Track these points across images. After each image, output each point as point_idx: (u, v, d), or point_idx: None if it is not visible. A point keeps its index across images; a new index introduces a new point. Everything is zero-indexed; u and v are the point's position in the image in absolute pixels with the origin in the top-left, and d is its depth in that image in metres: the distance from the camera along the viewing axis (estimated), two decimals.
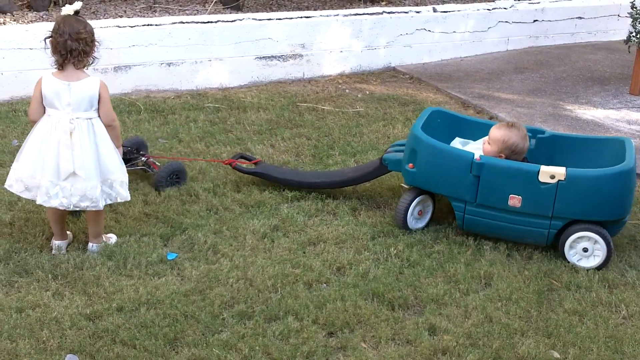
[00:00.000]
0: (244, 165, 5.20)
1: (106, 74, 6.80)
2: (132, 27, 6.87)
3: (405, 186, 4.67)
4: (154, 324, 3.64)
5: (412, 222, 4.63)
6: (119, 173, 4.15)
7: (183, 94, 7.00)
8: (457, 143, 4.84)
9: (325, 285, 4.07)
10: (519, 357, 3.55)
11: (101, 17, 7.39)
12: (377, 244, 4.47)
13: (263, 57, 7.52)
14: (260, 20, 7.44)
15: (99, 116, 4.05)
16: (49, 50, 3.99)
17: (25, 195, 4.09)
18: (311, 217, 4.79)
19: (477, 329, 3.73)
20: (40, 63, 6.48)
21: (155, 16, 7.53)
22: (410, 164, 4.56)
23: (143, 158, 5.11)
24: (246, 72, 7.45)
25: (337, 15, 7.88)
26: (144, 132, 5.99)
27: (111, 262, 4.13)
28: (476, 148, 4.70)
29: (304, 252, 4.39)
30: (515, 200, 4.32)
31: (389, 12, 8.18)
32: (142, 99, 6.76)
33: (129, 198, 4.22)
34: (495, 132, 4.57)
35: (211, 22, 7.23)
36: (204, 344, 3.52)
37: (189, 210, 4.77)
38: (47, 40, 3.99)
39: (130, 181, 4.31)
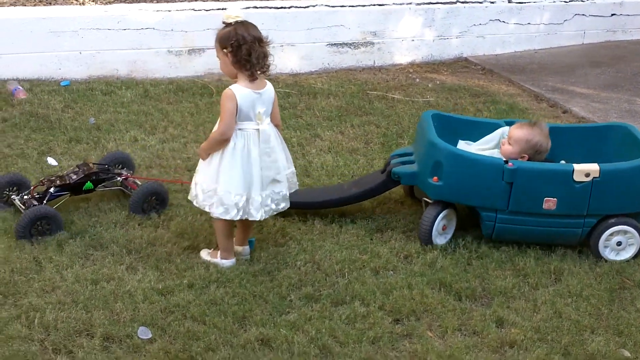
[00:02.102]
0: None
1: (180, 57, 6.91)
2: (207, 10, 6.95)
3: (428, 200, 4.39)
4: (223, 302, 3.70)
5: (436, 238, 4.33)
6: (290, 165, 4.09)
7: None
8: (463, 146, 4.60)
9: (392, 272, 4.08)
10: (588, 354, 3.51)
11: (177, 0, 7.49)
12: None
13: (334, 43, 7.53)
14: (333, 6, 7.45)
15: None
16: (225, 63, 3.79)
17: (237, 217, 3.89)
18: (380, 204, 4.79)
19: (545, 324, 3.70)
20: (117, 44, 6.64)
21: (230, 0, 7.59)
22: (435, 177, 4.25)
23: (119, 178, 4.61)
24: (317, 59, 7.47)
25: (411, 3, 7.84)
26: (215, 115, 6.03)
27: (183, 240, 4.20)
28: (478, 149, 4.54)
29: (372, 239, 4.40)
30: (550, 203, 4.18)
31: (462, 2, 8.11)
32: (214, 82, 6.84)
33: (297, 186, 4.16)
34: (517, 131, 4.39)
35: (284, 7, 7.27)
36: (272, 324, 3.57)
37: None
38: (228, 53, 3.74)
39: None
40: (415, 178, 4.43)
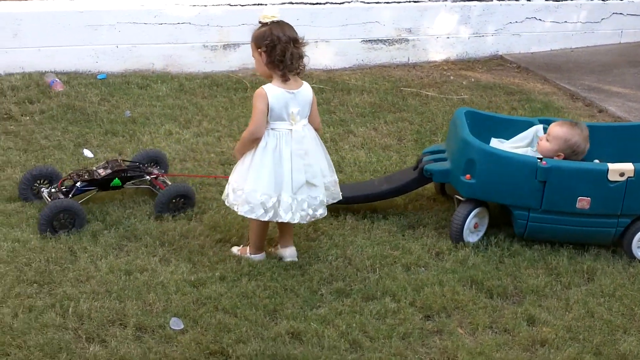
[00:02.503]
0: None
1: (215, 51, 6.95)
2: (242, 5, 6.98)
3: (460, 198, 4.38)
4: (254, 295, 3.73)
5: (468, 237, 4.31)
6: (331, 174, 4.01)
7: None
8: (496, 144, 4.58)
9: (423, 269, 4.08)
10: (620, 355, 3.49)
11: None
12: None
13: (369, 40, 7.52)
14: (368, 3, 7.45)
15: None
16: (259, 63, 3.79)
17: (263, 217, 3.82)
18: (412, 201, 4.79)
19: (577, 323, 3.68)
20: (153, 38, 6.70)
21: None
22: (468, 175, 4.23)
23: (147, 176, 4.56)
24: (351, 55, 7.47)
25: (447, 0, 7.81)
26: (249, 109, 6.07)
27: (215, 233, 4.23)
28: (511, 147, 4.51)
29: (403, 235, 4.40)
30: (584, 202, 4.14)
31: (499, 0, 8.06)
32: (248, 77, 6.87)
33: (340, 197, 4.07)
34: (557, 129, 4.36)
35: (320, 3, 7.28)
36: (302, 318, 3.59)
37: None
38: (262, 53, 3.74)
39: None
40: (448, 175, 4.41)
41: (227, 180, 4.53)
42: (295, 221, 3.85)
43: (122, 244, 4.11)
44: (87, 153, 5.10)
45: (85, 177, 4.40)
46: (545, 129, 4.55)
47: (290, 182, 3.79)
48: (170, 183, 4.54)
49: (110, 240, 4.12)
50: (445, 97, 6.77)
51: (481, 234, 4.37)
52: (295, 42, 3.71)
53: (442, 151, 4.62)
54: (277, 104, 3.72)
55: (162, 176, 4.59)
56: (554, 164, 4.14)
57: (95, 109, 5.81)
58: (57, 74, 6.36)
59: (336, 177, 4.04)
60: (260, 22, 3.78)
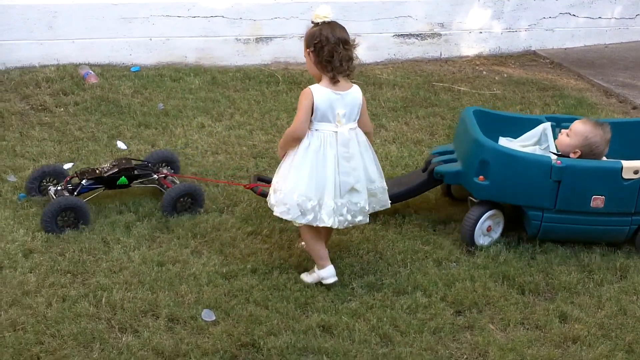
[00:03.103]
0: (266, 189, 4.25)
1: (248, 45, 6.97)
2: None
3: (474, 200, 4.29)
4: (285, 288, 3.75)
5: (479, 239, 4.23)
6: (380, 180, 3.87)
7: None
8: (505, 142, 4.51)
9: (455, 264, 4.07)
10: None
11: None
12: (508, 228, 4.41)
13: (401, 34, 7.50)
14: None
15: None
16: (310, 65, 3.68)
17: (300, 220, 3.69)
18: (443, 196, 4.78)
19: (609, 321, 3.65)
20: (186, 31, 6.73)
21: None
22: (481, 177, 4.15)
23: (155, 175, 4.49)
24: (383, 49, 7.46)
25: None
26: (281, 103, 6.12)
27: (247, 226, 4.26)
28: (520, 146, 4.45)
29: (435, 230, 4.39)
30: (598, 201, 4.08)
31: None
32: (280, 70, 6.89)
33: (389, 205, 3.95)
34: (580, 126, 4.29)
35: None
36: (333, 311, 3.60)
37: None
38: (311, 53, 3.64)
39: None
40: (459, 177, 4.33)
41: (237, 186, 4.62)
42: (336, 227, 3.73)
43: (154, 235, 4.14)
44: (121, 145, 5.15)
45: (92, 175, 4.35)
46: (553, 127, 4.51)
47: (334, 185, 3.66)
48: (179, 183, 4.47)
49: (143, 231, 4.15)
50: (477, 92, 6.74)
51: (495, 236, 4.30)
52: (344, 44, 3.61)
53: (451, 152, 4.54)
54: (322, 104, 3.62)
55: (172, 176, 4.52)
56: (569, 163, 4.09)
57: (129, 101, 5.85)
58: (91, 66, 6.41)
59: (385, 184, 3.89)
60: (312, 22, 3.69)
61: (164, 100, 5.95)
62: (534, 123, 4.59)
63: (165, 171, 4.58)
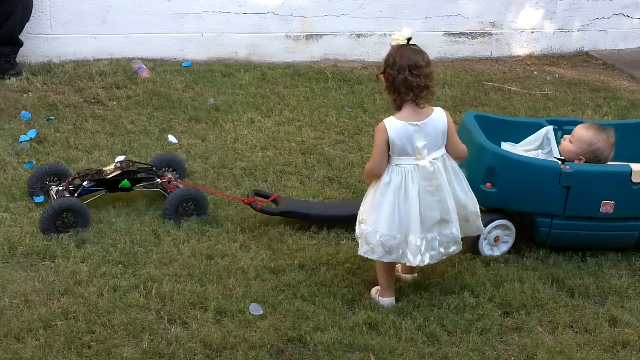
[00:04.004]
0: (265, 204, 4.30)
1: (298, 42, 7.00)
2: None
3: (482, 207, 4.11)
4: (333, 284, 3.76)
5: (484, 249, 4.10)
6: (473, 204, 3.67)
7: (370, 65, 7.08)
8: (507, 147, 4.37)
9: (503, 265, 4.04)
10: None
11: None
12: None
13: (452, 33, 7.47)
14: None
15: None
16: (382, 88, 3.52)
17: (386, 259, 3.54)
18: None
19: None
20: (237, 27, 6.79)
21: None
22: (488, 184, 4.03)
23: (158, 179, 4.40)
24: (433, 48, 7.41)
25: None
26: (330, 99, 6.14)
27: (295, 222, 4.27)
28: (522, 150, 4.35)
29: None
30: (607, 206, 4.00)
31: None
32: (330, 67, 6.90)
33: (483, 230, 3.84)
34: (583, 132, 4.17)
35: None
36: (380, 309, 3.60)
37: None
38: (381, 77, 3.47)
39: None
40: None
41: (286, 181, 4.66)
42: (425, 263, 3.52)
43: (204, 229, 4.18)
44: (172, 139, 5.21)
45: (95, 177, 4.30)
46: (555, 130, 4.42)
47: (421, 221, 3.47)
48: (182, 187, 4.35)
49: (193, 225, 4.19)
50: (528, 92, 6.68)
51: (505, 248, 4.15)
52: (412, 69, 3.34)
53: None
54: (398, 138, 3.40)
55: (175, 181, 4.43)
56: (578, 168, 4.00)
57: (180, 96, 5.92)
58: (143, 60, 6.50)
59: (478, 209, 3.70)
60: (391, 45, 3.48)
61: (215, 96, 6.00)
62: (536, 127, 4.48)
63: (169, 175, 4.50)
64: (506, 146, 4.42)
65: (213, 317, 3.48)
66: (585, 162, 4.13)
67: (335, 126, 5.63)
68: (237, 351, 3.27)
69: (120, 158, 4.77)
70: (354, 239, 4.16)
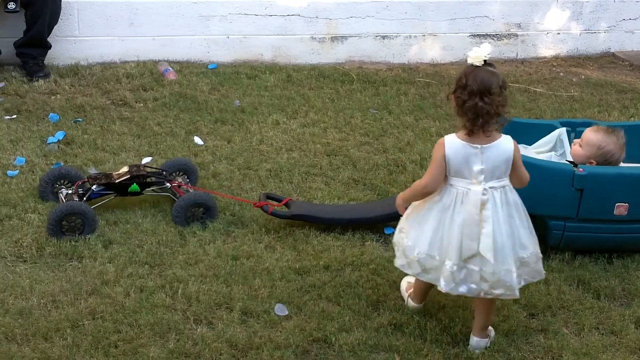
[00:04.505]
0: (277, 208, 4.31)
1: (323, 44, 7.02)
2: None
3: None
4: (357, 285, 3.77)
5: None
6: (533, 247, 3.33)
7: (395, 67, 7.08)
8: (521, 150, 4.33)
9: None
10: None
11: None
12: None
13: (477, 34, 7.45)
14: None
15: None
16: (452, 108, 3.24)
17: (423, 277, 3.37)
18: None
19: None
20: (263, 29, 6.82)
21: None
22: None
23: (168, 184, 4.37)
24: (459, 49, 7.41)
25: None
26: (355, 101, 6.14)
27: None
28: (534, 153, 4.31)
29: None
30: (621, 209, 3.96)
31: None
32: (355, 69, 6.91)
33: (543, 275, 3.43)
34: (592, 135, 4.12)
35: None
36: (405, 310, 3.60)
37: (395, 180, 4.85)
38: (451, 97, 3.23)
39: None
40: None
41: (311, 183, 4.64)
42: (458, 293, 3.29)
43: (229, 230, 4.21)
44: (198, 140, 5.24)
45: (103, 180, 4.28)
46: (568, 132, 4.39)
47: (458, 249, 3.21)
48: (192, 192, 4.32)
49: (218, 225, 4.22)
50: (554, 93, 6.65)
51: None
52: (484, 95, 3.07)
53: None
54: (455, 157, 3.17)
55: (186, 186, 4.40)
56: (591, 171, 3.97)
57: (206, 98, 5.95)
58: (170, 62, 6.54)
59: (539, 251, 3.36)
60: (467, 62, 3.21)
61: (240, 97, 6.03)
62: (548, 129, 4.45)
63: (180, 180, 4.46)
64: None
65: (239, 317, 3.50)
66: (596, 165, 4.10)
67: (360, 128, 5.64)
68: (263, 351, 3.29)
69: (147, 159, 4.82)
70: (378, 240, 4.19)
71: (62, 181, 4.36)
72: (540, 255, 3.35)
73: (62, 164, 4.77)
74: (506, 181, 3.24)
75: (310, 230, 4.22)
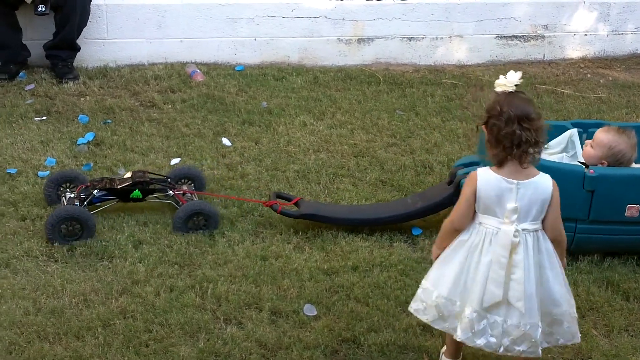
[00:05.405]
0: (286, 207, 4.30)
1: (349, 45, 7.02)
2: (378, 0, 7.03)
3: None
4: (386, 286, 3.78)
5: None
6: (567, 305, 3.03)
7: (421, 69, 7.08)
8: None
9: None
10: None
11: None
12: None
13: (504, 36, 7.43)
14: None
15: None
16: (483, 139, 3.00)
17: (438, 325, 3.09)
18: None
19: None
20: (290, 31, 6.84)
21: None
22: None
23: (170, 191, 4.32)
24: (485, 51, 7.40)
25: None
26: (382, 103, 6.15)
27: None
28: (546, 154, 4.23)
29: None
30: (633, 210, 3.94)
31: None
32: (381, 70, 6.91)
33: (579, 338, 3.10)
34: (603, 135, 4.09)
35: None
36: None
37: (422, 182, 4.86)
38: (482, 127, 2.98)
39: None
40: None
41: (339, 184, 4.63)
42: (476, 345, 3.00)
43: (258, 230, 4.23)
44: (226, 141, 5.27)
45: (106, 185, 4.26)
46: (580, 133, 4.36)
47: (481, 293, 2.94)
48: (195, 200, 4.29)
49: (247, 226, 4.25)
50: (581, 95, 6.62)
51: None
52: (523, 121, 2.84)
53: (476, 163, 4.36)
54: (487, 193, 2.91)
55: (191, 193, 4.36)
56: (602, 172, 3.95)
57: (233, 99, 5.99)
58: (197, 64, 6.58)
59: (575, 311, 3.05)
60: (494, 90, 3.01)
61: (267, 99, 6.06)
62: (560, 130, 4.42)
63: (185, 187, 4.41)
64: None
65: (268, 317, 3.53)
66: (608, 166, 4.08)
67: (387, 129, 5.65)
68: (292, 351, 3.31)
69: (176, 161, 4.86)
70: (406, 242, 4.21)
71: (67, 184, 4.36)
72: (576, 315, 3.05)
73: (92, 165, 4.82)
74: (539, 225, 2.95)
75: (339, 231, 4.23)
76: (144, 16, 6.57)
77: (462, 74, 6.99)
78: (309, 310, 3.59)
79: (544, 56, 7.59)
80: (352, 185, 4.78)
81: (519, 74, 2.96)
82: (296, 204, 4.35)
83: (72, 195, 4.25)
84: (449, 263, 3.01)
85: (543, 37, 7.54)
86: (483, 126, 2.96)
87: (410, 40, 7.18)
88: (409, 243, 4.20)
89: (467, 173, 4.03)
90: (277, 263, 3.93)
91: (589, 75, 7.21)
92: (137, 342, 3.33)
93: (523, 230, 2.90)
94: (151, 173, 4.44)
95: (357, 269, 3.91)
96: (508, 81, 2.94)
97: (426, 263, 3.97)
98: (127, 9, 6.54)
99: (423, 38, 7.20)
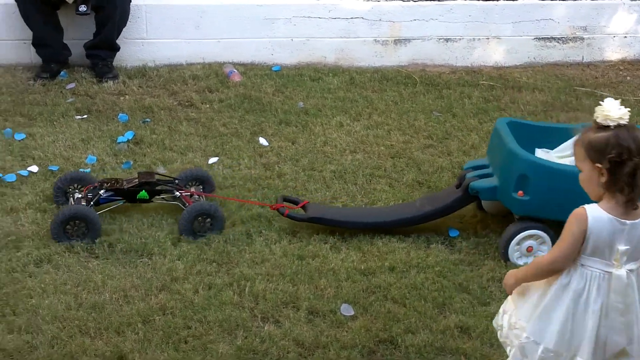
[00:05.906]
0: (293, 210, 4.29)
1: (386, 46, 7.02)
2: (415, 1, 7.02)
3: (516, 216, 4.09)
4: (423, 287, 3.78)
5: (514, 257, 4.05)
6: None
7: (458, 70, 7.06)
8: (541, 154, 4.27)
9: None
10: None
11: None
12: None
13: (542, 37, 7.37)
14: (543, 0, 7.31)
15: None
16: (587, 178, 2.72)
17: None
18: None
19: None
20: (327, 32, 6.86)
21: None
22: (520, 192, 3.96)
23: (177, 192, 4.31)
24: (523, 52, 7.35)
25: None
26: (418, 104, 6.14)
27: None
28: (556, 157, 4.23)
29: None
30: None
31: None
32: (417, 72, 6.90)
33: None
34: None
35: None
36: (472, 313, 3.61)
37: None
38: (604, 170, 2.61)
39: None
40: (496, 193, 4.13)
41: (375, 185, 4.62)
42: None
43: (295, 230, 4.25)
44: (263, 141, 5.30)
45: (114, 186, 4.27)
46: None
47: (594, 344, 2.69)
48: (201, 201, 4.28)
49: (284, 225, 4.27)
50: (621, 97, 6.53)
51: None
52: None
53: (485, 166, 4.35)
54: (598, 233, 2.63)
55: (198, 194, 4.36)
56: None
57: (270, 99, 6.01)
58: (235, 64, 6.62)
59: None
60: (597, 123, 2.64)
61: (304, 99, 6.08)
62: (570, 133, 4.36)
63: (192, 189, 4.42)
64: (540, 153, 4.35)
65: (305, 316, 3.55)
66: None
67: (423, 130, 5.64)
68: (330, 351, 3.33)
69: (213, 160, 4.90)
70: (443, 243, 4.20)
71: (76, 185, 4.37)
72: None
73: (131, 163, 4.87)
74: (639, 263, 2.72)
75: (375, 232, 4.24)
76: (182, 16, 6.62)
77: (499, 75, 6.95)
78: (346, 310, 3.60)
79: (582, 58, 7.52)
80: (389, 186, 4.78)
81: (618, 101, 2.66)
82: (303, 207, 4.34)
83: (80, 196, 4.27)
84: (553, 312, 2.73)
85: (582, 38, 7.48)
86: (602, 170, 2.62)
87: (447, 42, 7.16)
88: (446, 245, 4.20)
89: (477, 177, 4.14)
90: (314, 263, 3.95)
91: (628, 78, 7.14)
92: (176, 339, 3.37)
93: (630, 270, 2.68)
94: (159, 174, 4.46)
95: (394, 270, 3.91)
96: (621, 113, 2.61)
97: (464, 265, 3.98)
98: (166, 10, 6.60)
99: (460, 39, 7.17)
